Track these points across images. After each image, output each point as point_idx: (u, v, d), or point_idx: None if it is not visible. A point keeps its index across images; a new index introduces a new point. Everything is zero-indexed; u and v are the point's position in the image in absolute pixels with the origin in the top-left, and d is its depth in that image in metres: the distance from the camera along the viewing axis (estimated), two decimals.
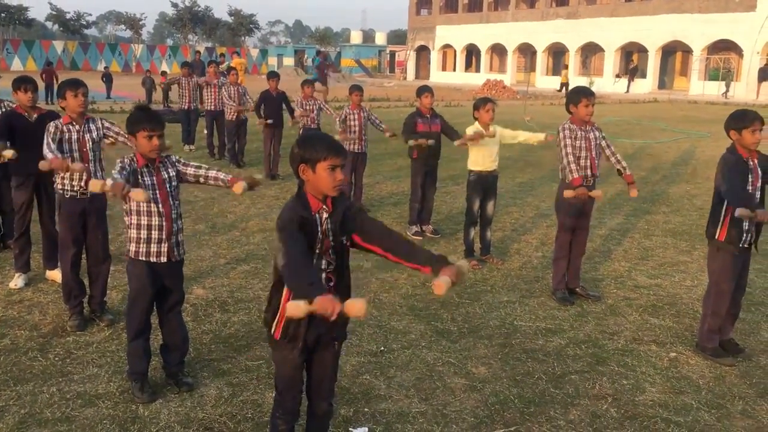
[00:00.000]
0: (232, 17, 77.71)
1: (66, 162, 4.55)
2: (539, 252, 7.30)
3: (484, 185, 6.76)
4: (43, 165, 4.54)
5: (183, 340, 4.24)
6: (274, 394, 3.23)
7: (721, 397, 4.24)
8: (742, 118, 4.54)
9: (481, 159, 6.68)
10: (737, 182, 4.46)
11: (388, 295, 5.82)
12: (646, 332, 5.23)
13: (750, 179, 4.51)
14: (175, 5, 74.81)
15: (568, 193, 5.53)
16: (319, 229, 2.87)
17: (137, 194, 3.58)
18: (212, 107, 13.15)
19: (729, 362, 4.68)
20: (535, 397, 4.18)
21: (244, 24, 77.39)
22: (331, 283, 2.96)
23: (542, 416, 3.96)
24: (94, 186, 3.59)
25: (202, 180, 4.05)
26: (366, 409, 3.97)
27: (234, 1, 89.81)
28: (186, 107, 14.19)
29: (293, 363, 3.04)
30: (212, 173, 4.05)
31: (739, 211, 4.28)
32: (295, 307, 2.46)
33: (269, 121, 11.04)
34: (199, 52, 28.88)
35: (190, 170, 4.05)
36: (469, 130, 6.64)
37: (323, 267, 2.92)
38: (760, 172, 4.55)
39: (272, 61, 64.96)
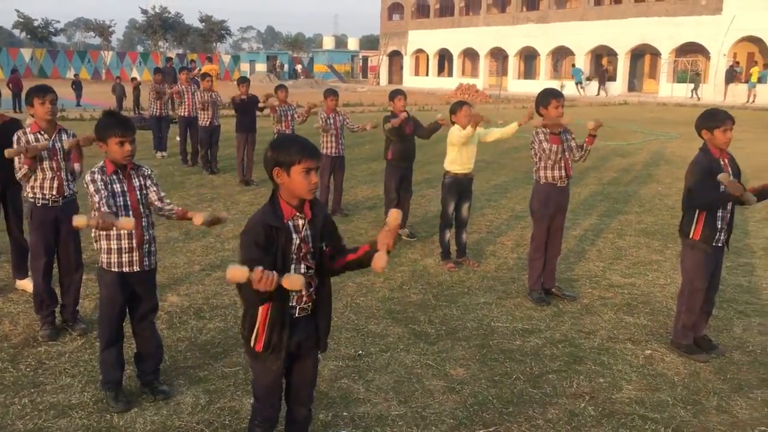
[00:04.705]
0: (203, 23, 77.23)
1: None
2: (515, 253, 7.33)
3: (459, 188, 6.77)
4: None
5: (157, 349, 4.17)
6: (252, 402, 3.19)
7: (696, 393, 4.29)
8: (713, 118, 4.61)
9: (459, 159, 6.67)
10: (705, 185, 4.52)
11: (365, 299, 5.81)
12: (622, 330, 5.28)
13: None
14: (144, 12, 74.22)
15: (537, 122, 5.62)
16: (296, 236, 2.85)
17: (125, 224, 3.50)
18: (186, 113, 13.03)
19: (703, 359, 4.73)
20: (514, 397, 4.19)
21: (215, 30, 76.97)
22: (312, 288, 2.94)
23: (521, 416, 3.97)
24: (79, 222, 3.42)
25: (163, 214, 4.00)
26: (345, 413, 3.95)
27: (205, 7, 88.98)
28: (157, 114, 14.07)
29: (274, 372, 3.01)
30: (169, 208, 4.00)
31: (721, 176, 4.34)
32: (237, 273, 2.47)
33: (243, 98, 11.14)
34: (171, 59, 28.62)
35: (153, 196, 3.98)
36: (456, 131, 6.57)
37: (302, 272, 2.90)
38: (731, 171, 4.62)
39: (245, 67, 64.58)
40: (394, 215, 2.74)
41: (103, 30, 76.07)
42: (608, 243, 7.84)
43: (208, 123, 12.11)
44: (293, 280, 2.55)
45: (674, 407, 4.10)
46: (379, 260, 2.68)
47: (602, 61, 44.43)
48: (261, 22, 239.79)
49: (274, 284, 2.51)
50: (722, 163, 4.61)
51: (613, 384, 4.39)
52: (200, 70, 23.23)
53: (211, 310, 5.52)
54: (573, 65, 44.72)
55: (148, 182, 3.98)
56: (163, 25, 73.92)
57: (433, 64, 56.61)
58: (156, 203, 3.97)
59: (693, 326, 4.84)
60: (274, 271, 2.53)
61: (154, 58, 60.66)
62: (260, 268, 2.49)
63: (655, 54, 41.76)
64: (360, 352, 4.78)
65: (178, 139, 13.76)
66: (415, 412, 3.99)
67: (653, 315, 5.62)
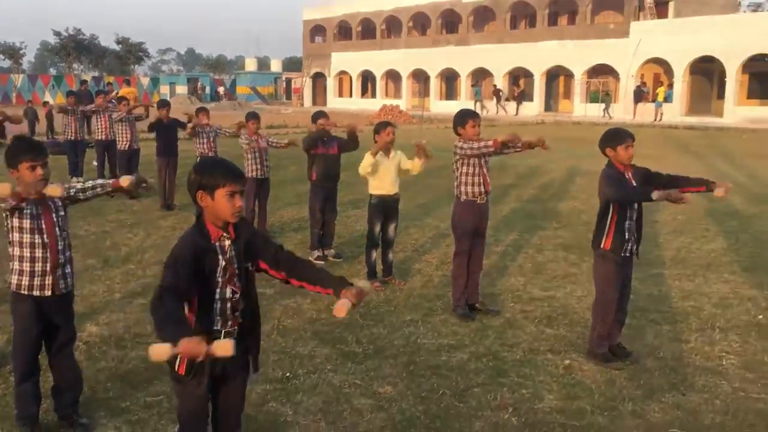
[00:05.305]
0: (120, 45, 75.35)
1: None
2: (440, 271, 7.46)
3: (385, 208, 6.86)
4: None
5: (76, 381, 4.04)
6: (177, 429, 3.13)
7: (612, 399, 4.48)
8: (615, 137, 4.89)
9: (380, 183, 6.78)
10: (624, 185, 4.78)
11: (293, 321, 5.79)
12: (543, 342, 5.45)
13: None
14: (57, 34, 71.80)
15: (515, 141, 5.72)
16: (222, 257, 2.84)
17: None
18: (103, 137, 12.69)
19: (618, 366, 4.95)
20: (440, 412, 4.27)
21: (132, 52, 75.20)
22: (237, 312, 2.92)
23: (448, 430, 4.04)
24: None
25: (90, 193, 3.89)
26: None
27: (122, 29, 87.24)
28: (72, 138, 13.61)
29: (199, 397, 2.96)
30: (93, 183, 3.92)
31: (656, 195, 4.50)
32: (159, 351, 2.33)
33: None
34: (86, 81, 27.80)
35: (73, 190, 3.88)
36: (368, 157, 6.67)
37: (228, 296, 2.88)
38: (635, 184, 4.89)
39: (165, 89, 63.24)
40: (367, 286, 2.84)
41: (13, 52, 73.23)
42: (529, 258, 8.08)
43: (126, 146, 11.82)
44: (224, 347, 2.42)
45: (592, 414, 4.27)
46: (341, 310, 2.64)
47: (519, 82, 45.91)
48: (181, 44, 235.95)
49: (203, 353, 2.35)
50: (627, 176, 4.87)
51: (535, 394, 4.53)
52: (117, 93, 22.66)
53: (132, 339, 5.38)
54: (473, 85, 46.81)
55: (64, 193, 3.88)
56: (77, 47, 71.65)
57: (357, 85, 57.07)
58: (79, 194, 3.87)
59: (608, 335, 5.06)
60: (202, 339, 2.38)
61: (68, 80, 58.58)
62: (186, 339, 2.34)
63: (569, 75, 43.50)
64: (288, 374, 4.76)
65: (95, 163, 13.36)
66: (344, 431, 4.00)
67: (571, 326, 5.83)
